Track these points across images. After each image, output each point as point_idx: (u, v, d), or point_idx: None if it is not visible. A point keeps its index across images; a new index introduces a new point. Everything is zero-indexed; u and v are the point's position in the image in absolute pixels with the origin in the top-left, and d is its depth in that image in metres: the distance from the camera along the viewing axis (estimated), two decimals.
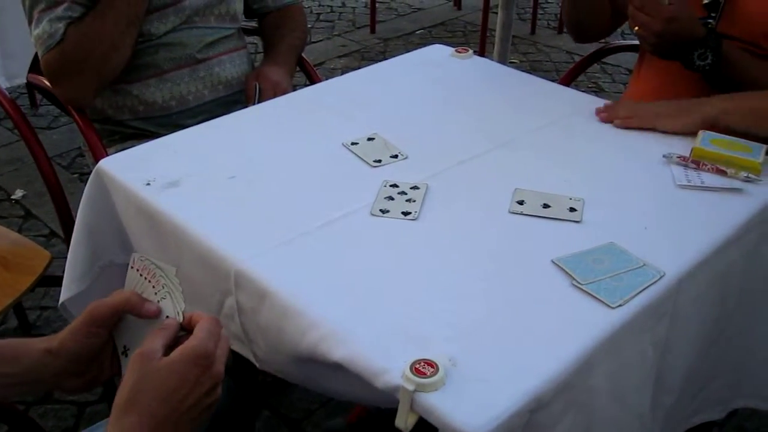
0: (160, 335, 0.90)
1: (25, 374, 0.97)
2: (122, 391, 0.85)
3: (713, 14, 1.60)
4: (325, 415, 1.97)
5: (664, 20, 1.51)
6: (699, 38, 1.53)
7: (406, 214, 1.21)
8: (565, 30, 4.57)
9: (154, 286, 0.99)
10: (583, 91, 1.68)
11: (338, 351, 0.96)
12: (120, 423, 0.83)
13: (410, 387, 0.87)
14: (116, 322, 1.00)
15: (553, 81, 1.80)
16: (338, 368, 0.96)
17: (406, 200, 1.24)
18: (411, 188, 1.27)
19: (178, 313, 0.96)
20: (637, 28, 1.56)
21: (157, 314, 0.97)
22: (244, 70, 1.95)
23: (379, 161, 1.36)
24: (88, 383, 1.01)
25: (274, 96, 1.79)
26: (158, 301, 0.98)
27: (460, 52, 1.83)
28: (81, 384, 1.01)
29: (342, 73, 2.01)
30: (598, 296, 1.03)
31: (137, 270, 1.01)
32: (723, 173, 1.31)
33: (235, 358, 1.91)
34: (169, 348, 0.89)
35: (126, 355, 1.01)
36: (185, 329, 0.93)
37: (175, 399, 0.85)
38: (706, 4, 1.62)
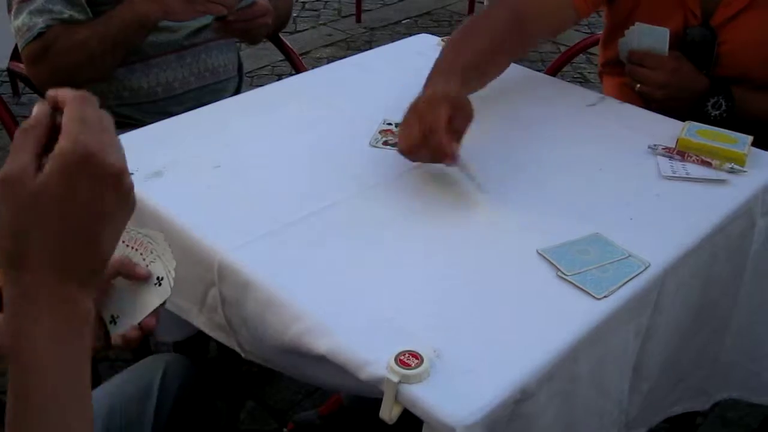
0: (26, 144, 0.65)
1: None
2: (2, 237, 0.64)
3: (704, 71, 1.55)
4: (311, 406, 1.96)
5: (668, 71, 1.49)
6: (705, 89, 1.51)
7: None
8: None
9: (142, 254, 0.99)
10: (568, 82, 1.68)
11: (322, 343, 0.95)
12: (14, 285, 0.63)
13: (395, 378, 0.87)
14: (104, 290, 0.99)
15: (539, 71, 1.80)
16: (323, 359, 0.95)
17: None
18: None
19: (169, 271, 0.96)
20: (639, 85, 1.53)
21: (147, 276, 0.97)
22: (231, 58, 1.94)
23: None
24: None
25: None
26: (147, 266, 0.98)
27: (446, 41, 1.82)
28: None
29: (328, 63, 2.00)
30: (583, 287, 1.03)
31: (124, 242, 1.01)
32: (708, 164, 1.31)
33: (219, 347, 1.90)
34: (40, 159, 0.65)
35: (115, 323, 1.00)
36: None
37: (75, 224, 0.63)
38: (690, 46, 1.57)
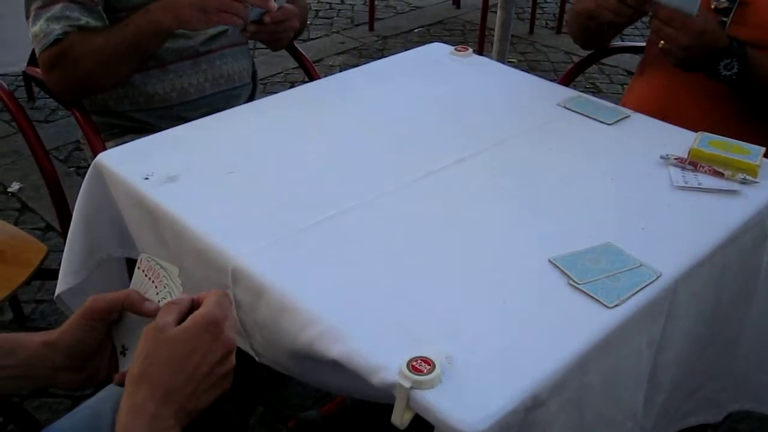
0: (173, 309, 0.89)
1: (22, 367, 0.96)
2: (134, 365, 0.85)
3: (725, 18, 1.59)
4: (313, 401, 1.97)
5: (694, 33, 1.49)
6: (723, 48, 1.52)
7: None
8: (563, 30, 4.57)
9: (156, 286, 0.99)
10: (581, 92, 1.68)
11: (335, 348, 0.96)
12: (132, 397, 0.83)
13: (407, 384, 0.88)
14: (116, 320, 1.00)
15: (551, 81, 1.80)
16: (335, 364, 0.96)
17: None
18: None
19: None
20: (662, 42, 1.54)
21: (156, 313, 0.97)
22: (246, 65, 1.95)
23: None
24: (84, 381, 1.01)
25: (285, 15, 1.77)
26: (159, 302, 0.98)
27: (459, 50, 1.83)
28: (77, 380, 1.00)
29: (340, 71, 2.01)
30: (594, 296, 1.03)
31: (143, 271, 1.01)
32: (720, 175, 1.31)
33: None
34: (180, 322, 0.88)
35: (124, 355, 1.00)
36: (196, 306, 0.92)
37: (187, 368, 0.84)
38: (717, 9, 1.61)
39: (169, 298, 0.97)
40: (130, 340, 1.00)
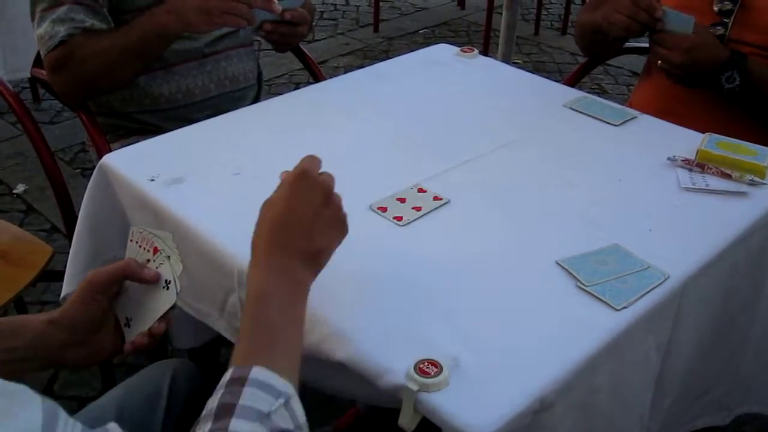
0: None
1: (28, 347, 0.97)
2: (253, 238, 0.93)
3: (726, 20, 1.60)
4: (326, 413, 1.96)
5: (683, 51, 1.52)
6: (724, 62, 1.53)
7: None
8: (568, 31, 4.56)
9: (152, 254, 1.00)
10: (586, 93, 1.68)
11: (342, 351, 0.96)
12: (256, 262, 0.90)
13: (414, 387, 0.87)
14: (117, 293, 1.01)
15: (556, 82, 1.80)
16: (341, 367, 0.96)
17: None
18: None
19: (175, 275, 0.98)
20: (659, 62, 1.57)
21: (156, 279, 0.99)
22: (251, 66, 1.95)
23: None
24: (90, 356, 1.02)
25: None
26: (156, 268, 0.99)
27: (465, 51, 1.82)
28: (84, 356, 1.01)
29: (345, 72, 2.00)
30: (602, 298, 1.02)
31: (136, 242, 1.02)
32: (728, 176, 1.30)
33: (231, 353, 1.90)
34: None
35: (129, 326, 1.01)
36: None
37: (293, 217, 0.92)
38: (721, 11, 1.62)
39: (166, 264, 0.99)
40: (133, 311, 1.01)
